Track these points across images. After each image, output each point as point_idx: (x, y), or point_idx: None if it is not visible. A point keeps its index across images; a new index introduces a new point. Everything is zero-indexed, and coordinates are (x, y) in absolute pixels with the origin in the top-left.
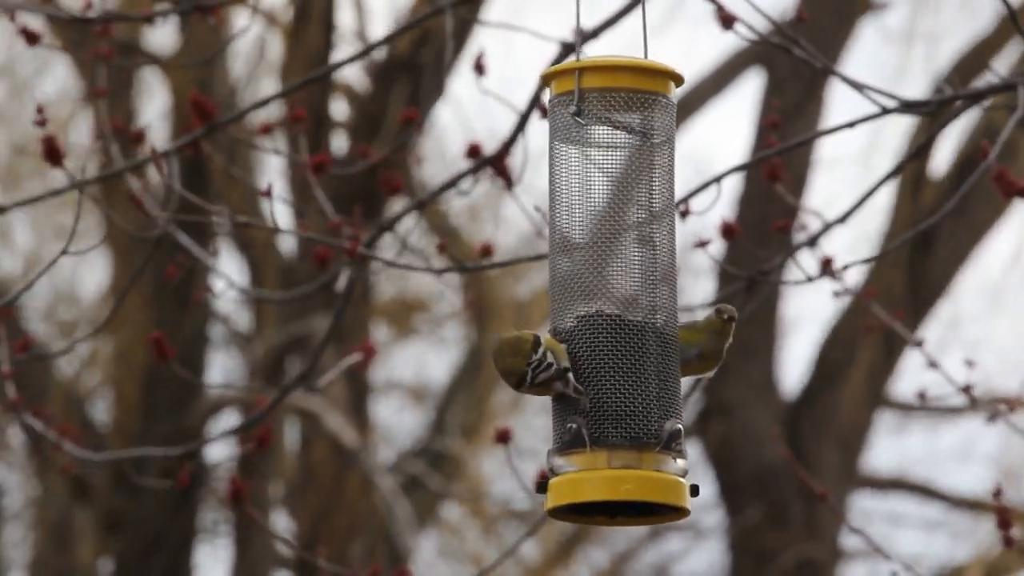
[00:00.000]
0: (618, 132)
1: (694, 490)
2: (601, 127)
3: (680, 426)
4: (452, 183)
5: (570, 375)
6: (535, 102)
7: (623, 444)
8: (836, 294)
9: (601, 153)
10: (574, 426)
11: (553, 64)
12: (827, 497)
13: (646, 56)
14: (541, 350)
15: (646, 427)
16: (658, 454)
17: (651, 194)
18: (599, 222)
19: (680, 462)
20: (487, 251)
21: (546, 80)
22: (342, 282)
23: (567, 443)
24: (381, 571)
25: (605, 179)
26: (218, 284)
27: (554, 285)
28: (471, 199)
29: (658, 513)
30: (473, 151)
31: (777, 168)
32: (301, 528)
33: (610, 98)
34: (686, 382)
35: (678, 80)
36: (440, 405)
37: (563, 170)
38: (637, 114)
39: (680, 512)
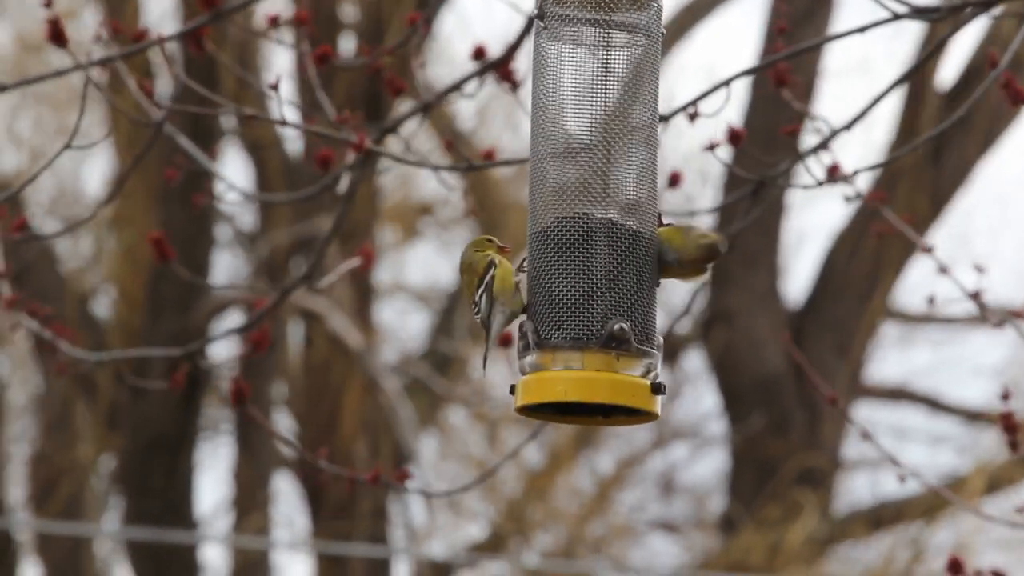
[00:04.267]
0: (601, 31)
1: (656, 388)
2: (582, 28)
3: (625, 325)
4: (457, 85)
5: (493, 325)
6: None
7: (564, 345)
8: (847, 199)
9: (577, 52)
10: (523, 330)
11: None
12: (837, 400)
13: None
14: (480, 292)
15: (587, 328)
16: (603, 355)
17: (636, 94)
18: (571, 124)
19: (643, 361)
20: (492, 155)
21: None
22: (346, 183)
23: (522, 347)
24: (383, 472)
25: (584, 79)
26: (220, 186)
27: (530, 189)
28: (478, 103)
29: (623, 414)
30: (478, 53)
31: (784, 73)
32: (303, 429)
33: None
34: (676, 286)
35: None
36: (446, 308)
37: (542, 70)
38: (616, 14)
39: (638, 414)
